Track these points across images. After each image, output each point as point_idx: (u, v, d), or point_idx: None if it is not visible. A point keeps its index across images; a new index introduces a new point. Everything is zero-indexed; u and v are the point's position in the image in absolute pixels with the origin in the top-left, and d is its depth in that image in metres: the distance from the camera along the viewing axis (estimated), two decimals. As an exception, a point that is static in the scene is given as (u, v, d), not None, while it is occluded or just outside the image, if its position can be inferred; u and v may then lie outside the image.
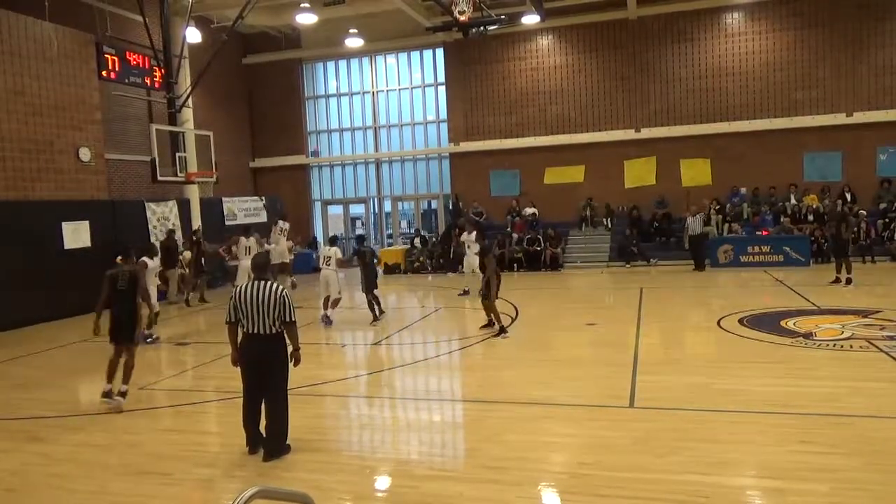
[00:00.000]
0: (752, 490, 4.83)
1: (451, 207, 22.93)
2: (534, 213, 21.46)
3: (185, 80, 17.29)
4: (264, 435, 5.75)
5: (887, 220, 18.36)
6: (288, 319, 5.71)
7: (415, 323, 12.49)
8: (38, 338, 12.28)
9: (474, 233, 14.49)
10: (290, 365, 5.83)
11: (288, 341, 5.82)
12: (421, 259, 21.12)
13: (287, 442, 5.78)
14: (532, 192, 21.91)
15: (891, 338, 8.97)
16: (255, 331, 5.67)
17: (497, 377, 8.22)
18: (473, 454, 5.83)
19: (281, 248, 16.85)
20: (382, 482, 5.35)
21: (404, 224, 25.96)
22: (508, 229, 21.05)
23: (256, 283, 5.76)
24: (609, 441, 5.80)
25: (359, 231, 23.76)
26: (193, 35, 17.81)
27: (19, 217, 13.84)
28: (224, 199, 20.48)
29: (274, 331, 5.68)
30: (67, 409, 7.66)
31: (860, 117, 19.37)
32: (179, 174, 15.57)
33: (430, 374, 8.86)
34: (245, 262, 14.02)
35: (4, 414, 7.55)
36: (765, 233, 18.86)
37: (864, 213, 18.28)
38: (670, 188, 20.50)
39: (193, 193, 18.31)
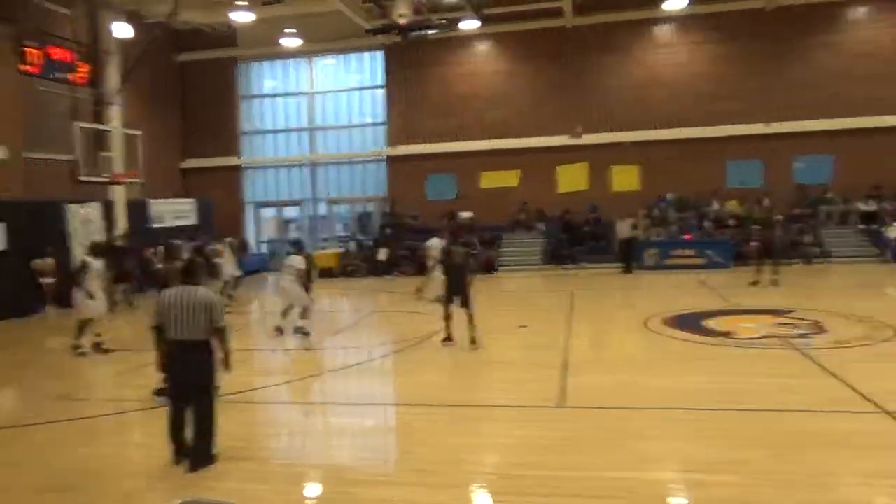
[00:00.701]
0: (673, 483, 5.05)
1: (387, 211, 22.88)
2: (469, 217, 21.64)
3: (113, 77, 16.66)
4: (190, 446, 5.55)
5: (802, 224, 19.41)
6: (218, 325, 5.56)
7: (348, 327, 12.41)
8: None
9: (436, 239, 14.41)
10: (221, 372, 5.68)
11: (217, 347, 5.65)
12: (356, 262, 20.97)
13: (214, 451, 5.61)
14: (468, 196, 22.11)
15: (803, 336, 9.49)
16: (182, 336, 5.48)
17: (429, 380, 8.27)
18: (405, 458, 5.86)
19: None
20: (313, 489, 5.31)
21: (340, 227, 25.69)
22: (443, 233, 21.10)
23: (184, 287, 5.60)
24: (540, 441, 5.93)
25: (292, 234, 23.44)
26: (123, 30, 17.16)
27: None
28: (152, 201, 19.81)
29: (201, 337, 5.51)
30: (-21, 421, 7.26)
31: (778, 127, 20.41)
32: (104, 175, 15.00)
33: (363, 378, 8.83)
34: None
35: None
36: (689, 237, 19.62)
37: (781, 217, 19.26)
38: (601, 193, 21.08)
39: (119, 195, 17.64)
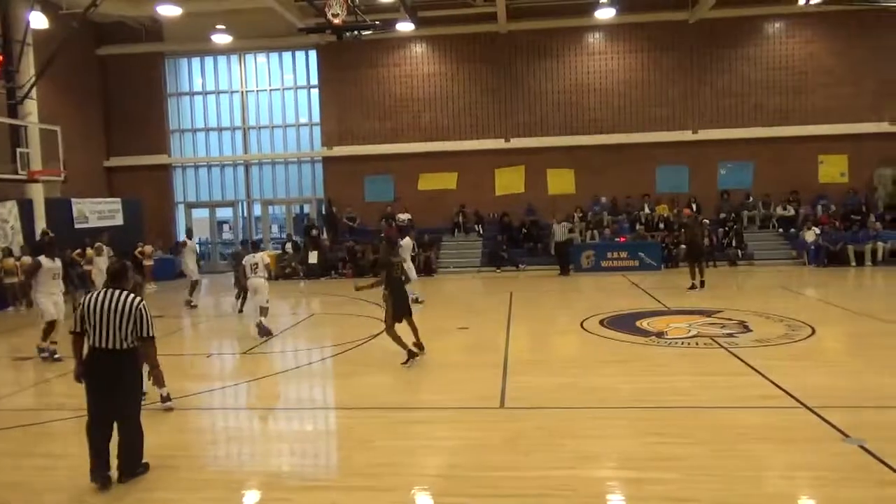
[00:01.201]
0: (612, 481, 5.13)
1: (324, 212, 22.57)
2: (408, 219, 21.60)
3: (28, 69, 15.78)
4: (117, 456, 5.21)
5: (727, 228, 20.26)
6: (145, 335, 5.20)
7: (286, 330, 12.14)
8: None
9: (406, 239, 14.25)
10: (149, 384, 5.37)
11: (145, 358, 5.34)
12: (293, 265, 20.60)
13: (143, 461, 5.33)
14: (406, 198, 22.06)
15: (730, 335, 9.88)
16: (104, 345, 5.09)
17: (368, 383, 8.17)
18: (346, 462, 5.76)
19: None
20: (252, 497, 5.14)
21: (276, 228, 25.22)
22: (382, 235, 21.02)
23: (110, 291, 5.22)
24: (480, 442, 5.94)
25: (225, 235, 22.83)
26: (39, 20, 16.29)
27: None
28: (74, 200, 18.87)
29: (125, 346, 5.13)
30: None
31: (704, 134, 21.28)
32: (21, 171, 14.17)
33: (301, 382, 8.64)
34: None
35: None
36: (622, 239, 20.18)
37: (707, 221, 20.06)
38: (538, 196, 21.44)
39: (37, 193, 16.72)
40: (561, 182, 21.61)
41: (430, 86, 22.41)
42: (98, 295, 5.21)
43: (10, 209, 16.22)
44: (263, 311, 11.33)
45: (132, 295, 5.26)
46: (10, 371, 9.98)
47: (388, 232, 19.15)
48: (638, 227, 20.61)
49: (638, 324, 11.08)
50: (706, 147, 21.25)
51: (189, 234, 16.45)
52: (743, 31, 21.24)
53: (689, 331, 10.36)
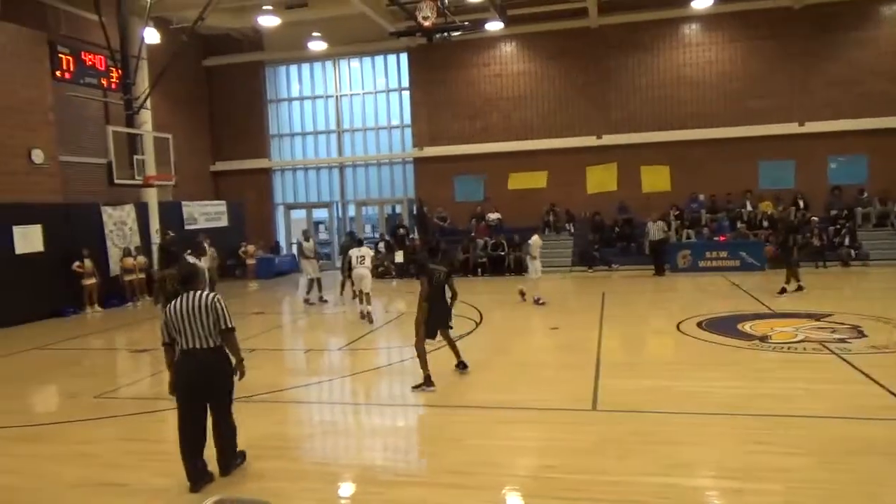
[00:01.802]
0: (710, 490, 4.93)
1: (415, 212, 22.92)
2: (497, 219, 21.60)
3: (143, 82, 16.91)
4: (216, 452, 5.33)
5: (838, 226, 18.98)
6: (224, 326, 5.22)
7: (379, 328, 12.42)
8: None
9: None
10: (235, 378, 5.37)
11: (229, 353, 5.34)
12: (385, 263, 21.03)
13: (240, 450, 5.51)
14: (496, 198, 22.04)
15: (841, 340, 9.25)
16: (192, 346, 5.17)
17: (460, 382, 8.22)
18: (436, 459, 5.82)
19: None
20: (346, 489, 5.30)
21: (368, 228, 25.85)
22: (472, 234, 21.16)
23: (185, 295, 5.28)
24: (572, 444, 5.86)
25: (321, 235, 23.57)
26: (152, 36, 17.45)
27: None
28: (184, 202, 20.12)
29: (212, 343, 5.19)
30: (20, 420, 7.41)
31: (812, 127, 20.01)
32: (137, 177, 15.21)
33: (393, 379, 8.81)
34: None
35: (-50, 425, 7.26)
36: (722, 238, 19.31)
37: (816, 219, 18.89)
38: (631, 194, 20.85)
39: (152, 197, 17.92)
40: (656, 179, 20.91)
41: (520, 84, 22.28)
42: (176, 302, 5.28)
43: (129, 212, 17.52)
44: (367, 298, 12.71)
45: (204, 293, 5.33)
46: (129, 362, 10.76)
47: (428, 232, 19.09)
48: (739, 225, 19.66)
49: (739, 327, 10.58)
50: (814, 140, 19.97)
51: (306, 235, 16.46)
52: (854, 14, 19.81)
53: (796, 335, 9.79)
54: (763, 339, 9.64)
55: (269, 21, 19.48)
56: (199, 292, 5.30)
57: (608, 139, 21.52)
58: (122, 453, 6.16)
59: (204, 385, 5.22)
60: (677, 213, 20.28)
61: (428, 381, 7.77)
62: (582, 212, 21.48)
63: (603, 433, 6.09)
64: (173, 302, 5.29)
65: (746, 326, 10.56)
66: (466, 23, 16.45)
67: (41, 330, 13.52)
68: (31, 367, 10.22)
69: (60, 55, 15.80)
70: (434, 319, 7.98)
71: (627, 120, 21.45)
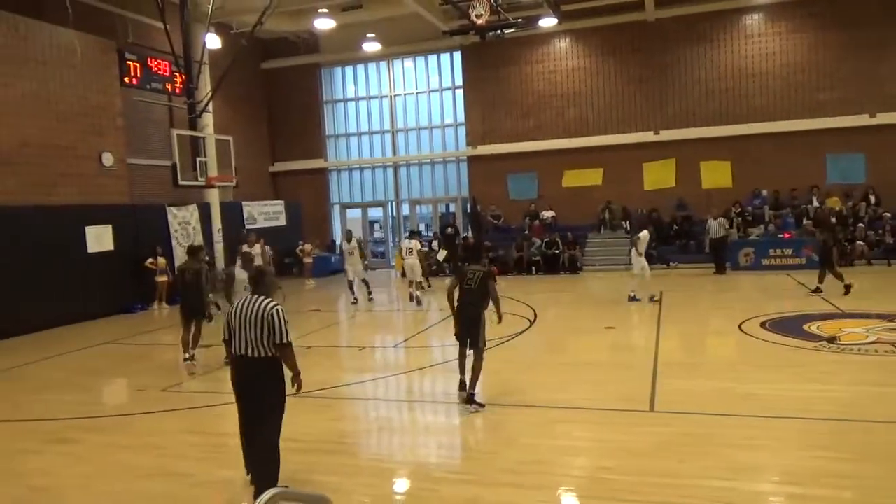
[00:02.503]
0: (774, 496, 4.78)
1: (468, 210, 22.94)
2: (552, 217, 21.41)
3: (205, 86, 17.42)
4: (251, 468, 5.13)
5: (912, 223, 18.07)
6: (280, 341, 4.92)
7: (433, 326, 12.50)
8: (64, 340, 12.47)
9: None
10: (293, 389, 5.07)
11: (285, 366, 5.07)
12: (432, 261, 21.10)
13: (281, 485, 4.82)
14: (550, 195, 21.86)
15: (917, 342, 8.82)
16: (242, 352, 4.97)
17: (515, 381, 8.20)
18: (492, 458, 5.82)
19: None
20: (401, 485, 5.37)
21: (423, 227, 26.00)
22: (526, 232, 21.04)
23: (249, 298, 5.10)
24: (629, 445, 5.77)
25: (377, 234, 23.86)
26: (213, 41, 17.99)
27: (45, 221, 14.09)
28: (244, 202, 20.69)
29: (262, 353, 4.92)
30: (92, 411, 7.78)
31: (884, 118, 19.08)
32: (200, 178, 15.70)
33: (449, 376, 8.83)
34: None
35: (32, 415, 7.68)
36: (787, 236, 18.63)
37: (889, 215, 18.04)
38: (690, 190, 20.33)
39: (214, 197, 18.47)
40: (716, 175, 20.32)
41: (574, 80, 22.02)
42: (240, 302, 5.13)
43: (192, 212, 18.14)
44: (416, 285, 14.71)
45: (267, 300, 5.05)
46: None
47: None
48: (805, 221, 18.92)
49: (805, 327, 10.20)
50: (886, 132, 19.02)
51: (348, 235, 16.34)
52: (932, -1, 18.82)
53: (867, 336, 9.38)
54: (831, 340, 9.26)
55: (324, 24, 19.82)
56: (260, 298, 5.05)
57: (666, 134, 21.05)
58: (188, 445, 6.40)
59: (248, 394, 5.03)
60: (739, 209, 19.67)
61: (461, 386, 7.25)
62: (639, 209, 21.07)
63: (661, 435, 5.98)
64: (237, 303, 5.20)
65: (813, 327, 10.18)
66: (519, 20, 16.33)
67: (111, 326, 14.13)
68: (102, 361, 10.70)
69: (128, 62, 16.47)
70: (459, 324, 7.29)
71: (686, 114, 20.93)
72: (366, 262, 16.48)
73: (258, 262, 13.09)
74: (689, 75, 20.93)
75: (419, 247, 15.45)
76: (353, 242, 15.42)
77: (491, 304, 7.28)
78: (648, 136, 21.19)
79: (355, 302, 15.39)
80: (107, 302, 15.23)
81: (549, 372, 8.58)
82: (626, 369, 8.41)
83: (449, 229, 21.65)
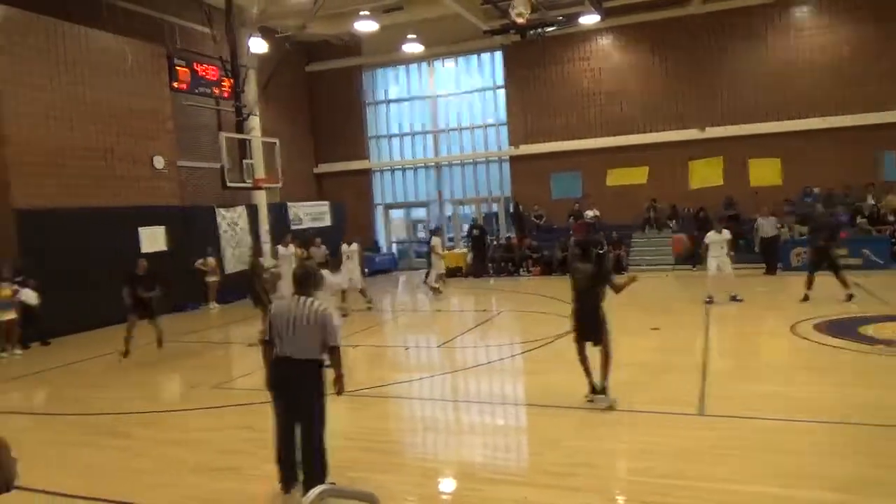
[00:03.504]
0: (828, 504, 4.63)
1: (511, 211, 22.84)
2: (595, 216, 21.17)
3: (251, 90, 17.80)
4: (301, 476, 5.03)
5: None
6: (332, 343, 4.96)
7: (477, 326, 12.49)
8: (118, 338, 12.84)
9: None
10: (333, 392, 5.09)
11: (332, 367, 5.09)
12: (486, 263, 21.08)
13: (330, 482, 4.89)
14: (594, 194, 21.61)
15: (982, 345, 8.42)
16: (288, 354, 4.92)
17: (557, 381, 8.12)
18: (536, 459, 5.79)
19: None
20: (447, 484, 5.38)
21: (466, 228, 26.01)
22: (570, 232, 20.83)
23: (297, 299, 5.01)
24: (676, 449, 5.66)
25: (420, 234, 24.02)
26: (259, 45, 18.35)
27: (101, 223, 14.57)
28: (290, 204, 21.05)
29: (309, 355, 4.92)
30: (144, 406, 8.01)
31: (946, 112, 18.29)
32: (247, 180, 16.04)
33: (493, 377, 8.84)
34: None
35: (87, 410, 7.95)
36: (841, 235, 17.98)
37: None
38: (738, 189, 19.82)
39: (261, 199, 18.86)
40: (765, 172, 19.76)
41: (618, 77, 21.72)
42: (286, 303, 5.09)
43: (240, 213, 18.54)
44: (435, 277, 16.16)
45: (316, 302, 5.02)
46: (244, 355, 11.34)
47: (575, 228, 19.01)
48: (859, 220, 18.25)
49: (861, 330, 9.82)
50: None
51: (349, 239, 16.26)
52: None
53: (928, 339, 9.00)
54: (889, 343, 8.91)
55: (366, 26, 20.00)
56: (309, 299, 4.99)
57: (712, 131, 20.59)
58: (238, 440, 6.53)
59: (292, 397, 4.99)
60: (790, 207, 19.08)
61: (593, 390, 6.98)
62: (685, 208, 20.66)
63: (709, 439, 5.85)
64: (283, 302, 5.16)
65: (869, 329, 9.80)
66: (561, 18, 16.23)
67: (165, 324, 14.47)
68: (156, 359, 11.00)
69: (177, 67, 16.88)
70: (576, 324, 7.10)
71: (734, 111, 20.43)
72: (364, 269, 16.03)
73: (292, 263, 13.17)
74: (736, 71, 20.42)
75: (436, 242, 16.60)
76: (354, 246, 15.07)
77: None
78: (694, 134, 20.77)
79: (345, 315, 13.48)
80: (160, 301, 15.60)
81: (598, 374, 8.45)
82: (673, 371, 8.25)
83: (475, 231, 21.58)
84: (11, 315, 11.96)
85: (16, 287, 12.20)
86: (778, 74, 19.98)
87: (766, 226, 17.45)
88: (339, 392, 5.14)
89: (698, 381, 7.65)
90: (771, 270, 17.29)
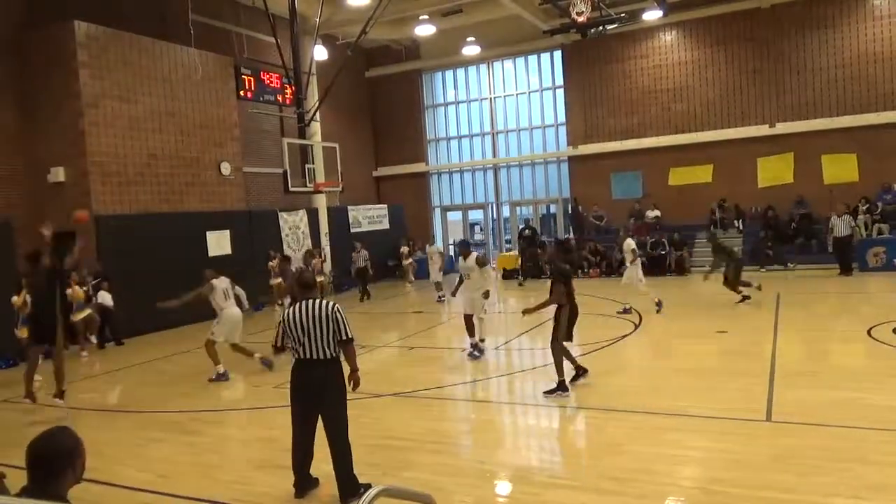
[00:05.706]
0: (910, 518, 4.38)
1: (570, 212, 22.57)
2: (656, 216, 20.68)
3: (313, 96, 18.19)
4: (335, 477, 5.13)
5: None
6: (344, 337, 5.10)
7: (534, 328, 12.38)
8: (187, 338, 13.34)
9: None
10: (349, 388, 5.20)
11: (347, 363, 5.23)
12: (539, 264, 20.88)
13: (363, 482, 5.12)
14: (656, 194, 21.12)
15: None
16: (310, 356, 5.06)
17: (619, 385, 7.98)
18: (595, 464, 5.69)
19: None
20: (503, 487, 5.34)
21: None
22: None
23: (304, 303, 5.16)
24: (744, 457, 5.46)
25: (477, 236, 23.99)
26: (321, 52, 18.76)
27: (172, 227, 15.16)
28: (349, 207, 21.40)
29: (330, 354, 5.06)
30: (212, 405, 8.29)
31: None
32: (309, 185, 16.40)
33: (550, 379, 8.73)
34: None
35: (158, 407, 8.28)
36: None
37: None
38: (810, 186, 19.02)
39: (321, 203, 19.24)
40: (839, 169, 18.90)
41: (681, 74, 21.16)
42: (294, 309, 5.19)
43: (301, 217, 18.98)
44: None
45: (325, 301, 5.20)
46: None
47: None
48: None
49: (946, 334, 9.28)
50: None
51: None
52: None
53: None
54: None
55: (425, 30, 20.16)
56: (317, 301, 5.17)
57: (782, 127, 19.81)
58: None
59: (316, 397, 5.11)
60: (867, 205, 18.18)
61: (562, 387, 7.52)
62: (752, 207, 19.95)
63: (779, 446, 5.62)
64: (291, 309, 5.24)
65: (955, 334, 9.24)
66: (623, 14, 15.93)
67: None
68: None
69: (243, 76, 17.48)
70: (573, 322, 7.89)
71: (805, 105, 19.61)
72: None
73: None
74: (807, 63, 19.60)
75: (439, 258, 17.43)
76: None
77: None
78: (763, 130, 20.03)
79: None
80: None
81: (656, 377, 8.27)
82: (740, 376, 7.96)
83: (526, 231, 21.38)
84: (86, 312, 12.50)
85: (86, 289, 12.73)
86: (853, 66, 19.06)
87: (841, 225, 16.67)
88: (355, 387, 5.25)
89: (767, 386, 7.37)
90: (846, 271, 16.51)
